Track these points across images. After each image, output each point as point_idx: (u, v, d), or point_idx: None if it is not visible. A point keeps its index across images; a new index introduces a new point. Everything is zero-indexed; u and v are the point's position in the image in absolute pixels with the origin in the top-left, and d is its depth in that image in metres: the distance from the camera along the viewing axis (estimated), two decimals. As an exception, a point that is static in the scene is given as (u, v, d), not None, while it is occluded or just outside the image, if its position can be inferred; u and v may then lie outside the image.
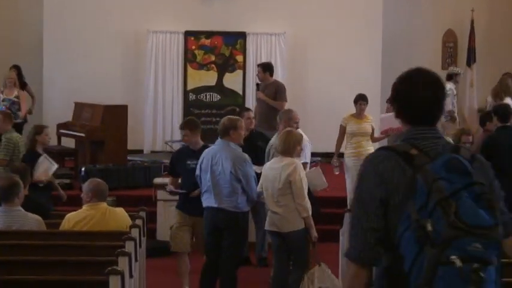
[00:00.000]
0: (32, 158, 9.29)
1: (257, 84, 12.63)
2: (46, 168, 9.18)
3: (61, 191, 9.35)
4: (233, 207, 7.80)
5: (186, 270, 8.60)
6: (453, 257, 2.91)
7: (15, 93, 12.86)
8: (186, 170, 8.40)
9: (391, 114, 9.97)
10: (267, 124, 11.16)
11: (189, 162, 8.37)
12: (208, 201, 7.89)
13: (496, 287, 3.02)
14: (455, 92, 13.98)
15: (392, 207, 3.18)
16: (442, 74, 16.34)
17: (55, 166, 9.34)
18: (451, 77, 14.00)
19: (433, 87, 3.38)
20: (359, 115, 11.02)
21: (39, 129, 9.57)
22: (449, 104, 13.90)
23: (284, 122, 8.86)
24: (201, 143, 8.50)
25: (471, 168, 3.11)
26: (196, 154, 8.26)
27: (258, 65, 12.80)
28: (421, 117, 3.35)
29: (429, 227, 2.97)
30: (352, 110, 11.24)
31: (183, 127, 8.68)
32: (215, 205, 7.81)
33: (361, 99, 11.00)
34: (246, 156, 7.88)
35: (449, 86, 13.81)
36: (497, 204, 3.16)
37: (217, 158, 7.81)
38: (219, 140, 7.95)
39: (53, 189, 9.25)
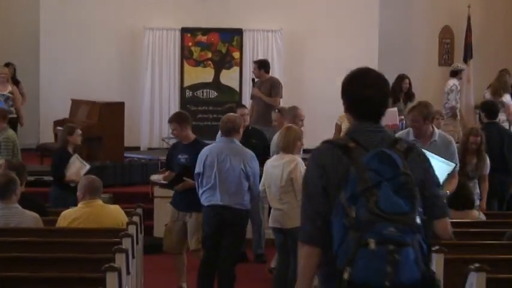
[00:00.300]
0: (63, 157, 9.36)
1: (253, 80, 12.65)
2: (78, 168, 9.18)
3: None
4: (239, 204, 7.78)
5: (182, 268, 8.57)
6: (370, 239, 3.31)
7: (9, 88, 12.81)
8: (177, 165, 8.33)
9: (392, 110, 9.92)
10: (263, 121, 11.16)
11: (179, 156, 8.30)
12: (211, 199, 7.77)
13: (417, 266, 3.36)
14: (459, 88, 13.99)
15: (330, 194, 3.58)
16: (439, 71, 16.41)
17: (87, 167, 9.31)
18: (455, 74, 14.02)
19: (376, 87, 3.75)
20: None
21: (71, 130, 9.60)
22: (452, 100, 13.94)
23: (289, 119, 8.75)
24: (192, 137, 8.38)
25: (401, 161, 3.49)
26: (187, 148, 8.21)
27: (254, 62, 12.82)
28: (365, 113, 3.73)
29: (353, 214, 3.38)
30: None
31: (171, 120, 8.51)
32: (220, 203, 7.71)
33: None
34: (253, 153, 7.89)
35: (452, 82, 13.89)
36: (427, 191, 3.65)
37: (224, 155, 7.73)
38: (222, 137, 7.91)
39: None
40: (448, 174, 7.20)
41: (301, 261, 3.69)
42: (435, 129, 7.57)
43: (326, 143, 3.76)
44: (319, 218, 3.60)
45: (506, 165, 9.69)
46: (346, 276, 3.34)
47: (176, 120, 8.37)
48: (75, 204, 7.79)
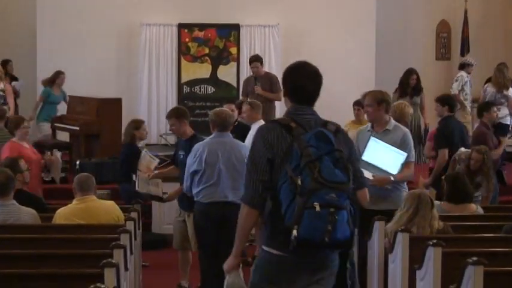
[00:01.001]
0: (131, 152, 9.37)
1: (255, 78, 12.64)
2: (148, 163, 9.11)
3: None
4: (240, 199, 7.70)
5: (185, 265, 8.51)
6: (315, 203, 4.02)
7: (1, 86, 12.78)
8: (178, 162, 8.33)
9: None
10: (265, 116, 11.15)
11: (179, 153, 8.26)
12: (212, 196, 7.57)
13: (348, 226, 4.14)
14: (465, 80, 14.01)
15: (276, 165, 4.25)
16: (436, 65, 16.43)
17: (156, 161, 9.28)
18: (462, 66, 14.23)
19: (310, 78, 4.51)
20: (357, 120, 10.91)
21: (138, 124, 9.60)
22: (455, 89, 13.98)
23: None
24: (191, 133, 8.30)
25: (334, 139, 4.25)
26: (185, 144, 8.14)
27: (256, 60, 12.75)
28: (301, 98, 4.48)
29: (299, 182, 4.08)
30: (346, 102, 11.26)
31: (169, 116, 8.44)
32: (223, 199, 7.53)
33: (355, 104, 10.82)
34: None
35: (460, 73, 14.05)
36: (352, 166, 4.31)
37: (228, 150, 7.60)
38: (220, 133, 7.72)
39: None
40: (402, 164, 7.23)
41: (241, 220, 4.40)
42: (391, 119, 7.58)
43: (272, 122, 4.58)
44: (261, 184, 4.28)
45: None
46: (294, 233, 4.03)
47: (174, 115, 8.30)
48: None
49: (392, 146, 7.29)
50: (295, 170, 4.13)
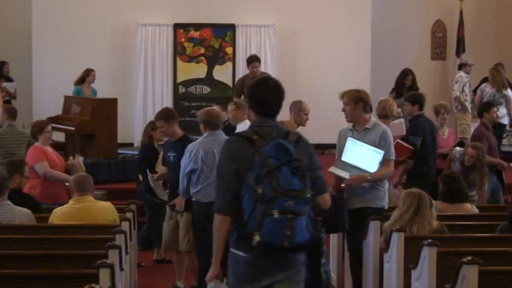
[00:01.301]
0: (149, 152, 9.49)
1: (254, 78, 12.66)
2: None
3: None
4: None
5: (180, 266, 8.44)
6: (274, 210, 4.34)
7: None
8: (167, 163, 8.29)
9: (398, 121, 9.94)
10: None
11: (169, 154, 8.21)
12: (211, 194, 7.24)
13: (308, 230, 4.45)
14: (465, 80, 14.08)
15: (240, 175, 4.56)
16: (432, 64, 16.45)
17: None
18: (461, 67, 14.40)
19: (275, 92, 4.79)
20: None
21: (156, 125, 9.58)
22: (456, 90, 14.02)
23: (294, 113, 8.68)
24: (180, 133, 8.26)
25: (293, 149, 4.55)
26: (175, 145, 8.11)
27: (256, 60, 12.79)
28: (265, 111, 4.76)
29: (260, 191, 4.39)
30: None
31: (157, 118, 8.35)
32: None
33: None
34: None
35: (459, 74, 14.15)
36: (313, 173, 4.68)
37: None
38: (214, 131, 7.74)
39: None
40: (380, 162, 7.24)
41: (215, 229, 4.69)
42: (372, 118, 7.58)
43: (235, 135, 4.94)
44: (229, 193, 4.61)
45: (435, 152, 9.83)
46: (256, 238, 4.36)
47: (162, 117, 8.25)
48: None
49: (372, 144, 7.30)
50: (256, 180, 4.44)
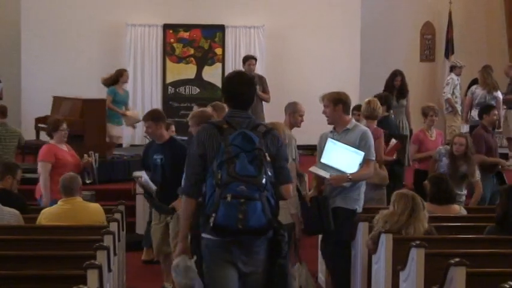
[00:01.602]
0: None
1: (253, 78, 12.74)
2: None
3: None
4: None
5: (168, 268, 8.19)
6: (228, 194, 4.67)
7: None
8: (153, 166, 8.06)
9: None
10: (257, 117, 11.17)
11: (155, 157, 8.03)
12: None
13: (265, 215, 4.74)
14: (456, 82, 14.16)
15: (208, 161, 4.91)
16: (421, 66, 16.48)
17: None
18: (451, 69, 14.54)
19: (246, 85, 5.14)
20: None
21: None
22: (447, 93, 14.07)
23: (289, 114, 8.67)
24: (167, 136, 8.17)
25: (259, 140, 4.88)
26: (162, 148, 8.00)
27: (252, 57, 12.96)
28: (237, 103, 5.10)
29: (219, 176, 4.73)
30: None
31: (145, 118, 8.19)
32: None
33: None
34: None
35: (450, 76, 14.22)
36: (278, 164, 5.00)
37: None
38: None
39: None
40: (360, 163, 7.27)
41: (182, 208, 5.12)
42: (353, 119, 7.66)
43: (208, 123, 5.22)
44: (195, 177, 5.00)
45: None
46: (212, 220, 4.71)
47: (151, 118, 8.12)
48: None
49: (352, 145, 7.33)
50: (218, 166, 4.78)
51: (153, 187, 7.97)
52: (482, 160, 9.87)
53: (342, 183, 7.30)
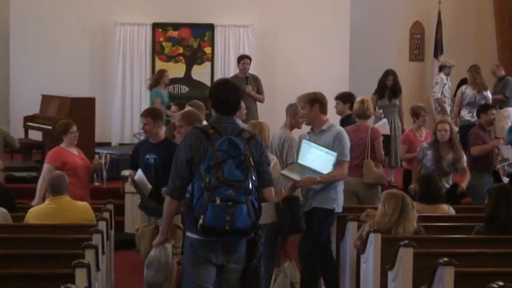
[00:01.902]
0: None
1: (246, 78, 12.76)
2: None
3: None
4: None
5: None
6: (216, 198, 4.93)
7: None
8: (144, 165, 7.91)
9: (382, 122, 10.07)
10: (252, 117, 11.19)
11: (147, 156, 7.91)
12: None
13: (249, 217, 5.02)
14: (444, 82, 14.24)
15: (194, 165, 5.15)
16: (410, 66, 16.51)
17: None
18: (440, 69, 14.59)
19: (231, 93, 5.37)
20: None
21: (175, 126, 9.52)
22: (437, 92, 14.11)
23: (290, 115, 8.65)
24: (162, 136, 8.09)
25: (244, 145, 5.12)
26: (156, 148, 7.88)
27: (246, 57, 13.01)
28: (223, 109, 5.34)
29: (207, 180, 4.98)
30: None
31: (145, 115, 8.13)
32: None
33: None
34: None
35: (439, 76, 14.30)
36: (261, 168, 5.27)
37: None
38: None
39: None
40: (334, 164, 7.29)
41: (165, 207, 5.40)
42: (329, 121, 7.67)
43: (195, 127, 5.47)
44: (180, 180, 5.24)
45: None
46: (200, 221, 4.96)
47: (150, 115, 8.05)
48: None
49: (326, 146, 7.36)
50: (206, 170, 5.02)
51: (149, 186, 7.83)
52: (479, 149, 9.92)
53: (312, 185, 7.35)
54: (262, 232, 5.38)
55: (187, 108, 9.18)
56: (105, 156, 9.51)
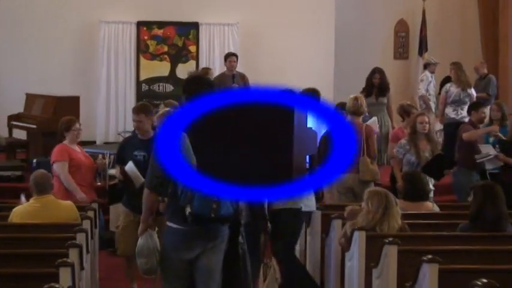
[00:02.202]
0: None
1: (233, 76, 12.77)
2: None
3: None
4: None
5: (133, 270, 7.86)
6: None
7: None
8: (134, 162, 7.80)
9: (372, 120, 10.13)
10: None
11: (136, 153, 7.86)
12: None
13: (232, 206, 5.37)
14: (430, 79, 14.27)
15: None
16: (394, 64, 16.54)
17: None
18: (425, 66, 14.68)
19: (207, 87, 5.47)
20: None
21: None
22: (422, 89, 14.15)
23: None
24: (152, 133, 7.92)
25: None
26: (145, 145, 7.73)
27: (233, 54, 13.05)
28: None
29: None
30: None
31: (137, 111, 8.00)
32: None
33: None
34: None
35: (424, 73, 14.39)
36: None
37: None
38: None
39: None
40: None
41: (144, 199, 5.61)
42: None
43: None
44: (155, 179, 5.46)
45: None
46: (188, 210, 5.22)
47: (144, 111, 7.95)
48: None
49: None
50: None
51: (142, 179, 7.46)
52: (473, 134, 9.96)
53: None
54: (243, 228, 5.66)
55: (162, 108, 9.14)
56: (109, 156, 9.45)
